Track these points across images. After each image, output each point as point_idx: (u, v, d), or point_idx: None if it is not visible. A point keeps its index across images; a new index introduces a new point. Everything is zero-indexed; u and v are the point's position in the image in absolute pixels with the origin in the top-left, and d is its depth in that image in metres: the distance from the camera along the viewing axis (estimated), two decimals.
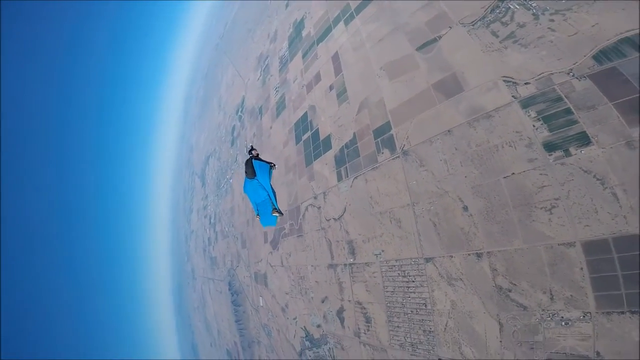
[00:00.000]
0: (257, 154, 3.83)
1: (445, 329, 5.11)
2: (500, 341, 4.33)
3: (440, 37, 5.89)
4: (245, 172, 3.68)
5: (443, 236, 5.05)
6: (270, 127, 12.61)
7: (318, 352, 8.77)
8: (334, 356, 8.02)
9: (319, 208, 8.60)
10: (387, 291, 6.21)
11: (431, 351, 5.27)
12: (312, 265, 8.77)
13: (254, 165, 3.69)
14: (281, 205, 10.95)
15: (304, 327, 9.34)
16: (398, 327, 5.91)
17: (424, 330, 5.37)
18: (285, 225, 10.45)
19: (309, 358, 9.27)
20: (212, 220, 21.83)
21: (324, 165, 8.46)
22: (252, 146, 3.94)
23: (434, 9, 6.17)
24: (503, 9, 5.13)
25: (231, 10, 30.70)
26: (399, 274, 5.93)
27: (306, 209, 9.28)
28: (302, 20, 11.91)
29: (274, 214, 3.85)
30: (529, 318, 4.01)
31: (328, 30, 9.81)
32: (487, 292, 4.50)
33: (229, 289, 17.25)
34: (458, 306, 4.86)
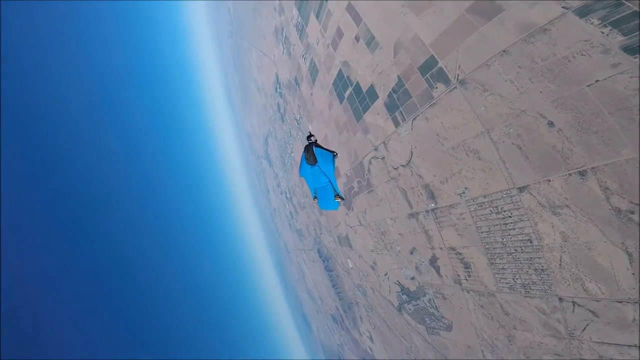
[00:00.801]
0: (316, 140, 4.17)
1: (560, 265, 4.50)
2: (633, 273, 3.65)
3: None
4: (306, 158, 3.96)
5: (533, 159, 4.41)
6: (311, 94, 12.92)
7: (417, 304, 9.08)
8: (436, 306, 8.14)
9: (383, 159, 8.46)
10: (481, 232, 5.76)
11: (548, 291, 4.77)
12: (390, 219, 8.87)
13: (315, 152, 3.93)
14: (342, 166, 11.28)
15: (397, 281, 9.74)
16: (503, 269, 5.51)
17: (535, 269, 4.87)
18: (354, 184, 10.72)
19: (409, 312, 9.66)
20: (287, 195, 24.67)
21: (376, 115, 8.31)
22: (310, 132, 4.29)
23: None
24: None
25: None
26: (491, 211, 5.40)
27: (369, 162, 9.24)
28: None
29: (336, 200, 4.19)
30: None
31: None
32: (602, 217, 3.76)
33: (320, 257, 19.32)
34: (570, 238, 4.21)
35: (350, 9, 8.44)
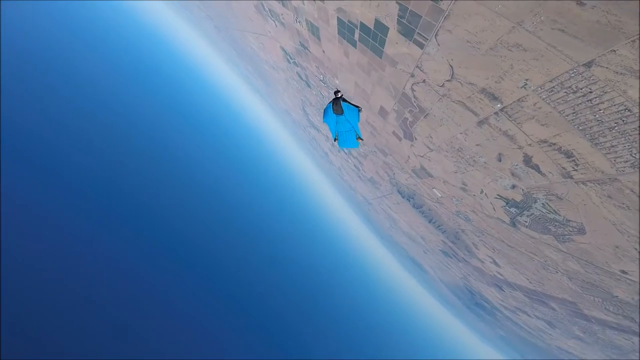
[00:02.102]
0: (342, 95, 5.07)
1: None
2: None
3: None
4: (334, 109, 4.90)
5: (583, 37, 4.46)
6: (323, 52, 13.70)
7: (532, 213, 8.96)
8: (554, 210, 7.97)
9: (424, 81, 8.55)
10: (566, 115, 5.55)
11: None
12: (460, 133, 8.72)
13: (342, 105, 4.90)
14: (386, 103, 11.79)
15: (498, 195, 9.65)
16: (612, 146, 5.21)
17: None
18: (406, 115, 10.81)
19: (526, 224, 9.57)
20: (346, 151, 25.48)
21: (395, 45, 8.53)
22: (337, 89, 5.14)
23: None
24: None
25: None
26: (566, 92, 5.23)
27: (412, 90, 9.36)
28: None
29: (358, 140, 5.20)
30: None
31: None
32: None
33: (403, 197, 19.86)
34: None
35: None
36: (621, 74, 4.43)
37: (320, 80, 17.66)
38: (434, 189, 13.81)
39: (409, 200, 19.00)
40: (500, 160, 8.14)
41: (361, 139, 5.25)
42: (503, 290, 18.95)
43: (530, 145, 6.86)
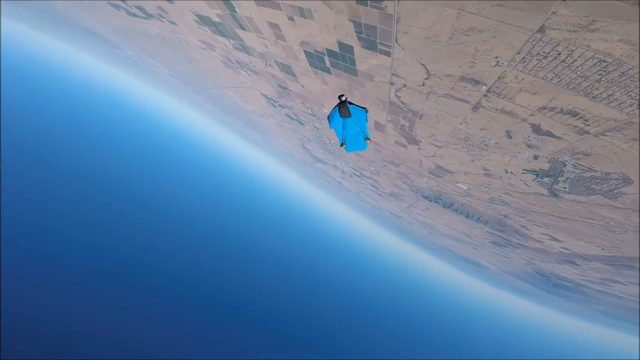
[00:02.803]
0: (347, 99, 5.27)
1: None
2: None
3: None
4: (341, 112, 5.00)
5: (520, 5, 4.96)
6: (303, 87, 14.57)
7: (567, 177, 8.78)
8: (589, 167, 7.88)
9: (405, 85, 9.07)
10: (550, 80, 5.89)
11: None
12: (460, 124, 9.00)
13: (349, 108, 5.01)
14: (378, 116, 12.22)
15: (525, 169, 9.51)
16: (610, 95, 5.41)
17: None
18: (402, 122, 11.24)
19: (567, 190, 9.31)
20: (357, 174, 26.19)
21: (365, 60, 9.17)
22: (341, 93, 5.65)
23: None
24: None
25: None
26: (537, 59, 5.63)
27: (397, 96, 9.86)
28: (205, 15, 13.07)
29: (366, 142, 5.29)
30: None
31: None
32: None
33: (430, 201, 19.53)
34: (632, 39, 4.47)
35: (259, 2, 9.47)
36: (575, 31, 4.75)
37: (310, 114, 18.38)
38: (458, 184, 13.65)
39: (438, 202, 18.68)
40: (510, 137, 8.19)
41: (369, 139, 5.38)
42: (578, 265, 17.73)
43: (532, 115, 7.01)
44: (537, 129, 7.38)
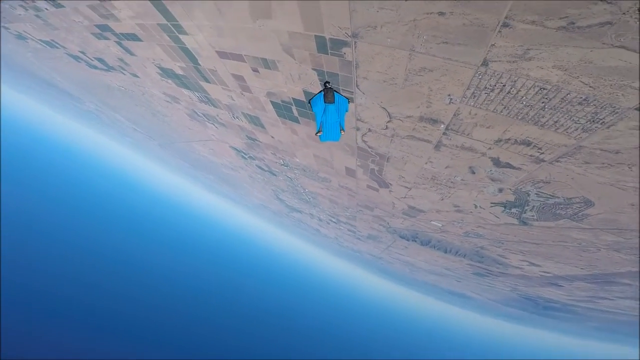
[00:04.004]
0: (332, 85, 5.29)
1: (593, 86, 4.76)
2: None
3: None
4: (326, 96, 5.04)
5: (462, 40, 5.13)
6: (272, 137, 14.55)
7: (533, 206, 9.06)
8: (550, 195, 8.01)
9: (370, 130, 9.22)
10: (500, 112, 6.10)
11: (613, 105, 4.87)
12: (425, 163, 9.14)
13: (334, 95, 5.06)
14: (348, 162, 12.26)
15: (492, 203, 9.62)
16: (557, 122, 5.62)
17: (580, 102, 5.07)
18: (371, 165, 11.31)
19: (535, 218, 9.42)
20: (334, 220, 25.90)
21: None
22: (326, 80, 5.53)
23: None
24: None
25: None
26: (485, 93, 5.84)
27: (364, 141, 9.98)
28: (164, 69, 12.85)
29: (341, 132, 5.33)
30: None
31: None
32: (558, 33, 4.08)
33: (407, 240, 19.31)
34: (565, 62, 4.66)
35: (221, 54, 9.56)
36: (513, 61, 4.96)
37: (282, 164, 18.21)
38: (432, 222, 13.63)
39: (415, 240, 18.48)
40: (474, 172, 8.33)
41: (344, 130, 5.36)
42: (561, 286, 17.66)
43: (490, 148, 7.20)
44: (497, 162, 7.54)
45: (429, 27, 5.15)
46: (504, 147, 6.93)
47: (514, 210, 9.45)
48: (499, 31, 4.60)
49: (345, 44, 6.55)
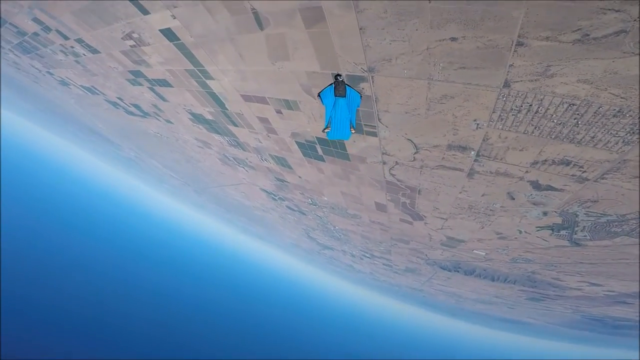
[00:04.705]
0: (343, 79, 5.04)
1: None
2: None
3: None
4: (337, 90, 4.76)
5: (479, 64, 5.09)
6: (300, 177, 14.84)
7: (584, 226, 8.42)
8: (601, 213, 7.45)
9: (397, 162, 9.19)
10: (532, 133, 5.90)
11: None
12: (459, 193, 8.94)
13: (346, 88, 4.77)
14: (378, 197, 12.10)
15: (538, 227, 9.14)
16: (593, 137, 5.40)
17: (614, 115, 4.85)
18: (402, 199, 11.20)
19: (588, 238, 8.80)
20: (368, 255, 25.19)
21: (354, 144, 9.43)
22: (337, 73, 5.26)
23: None
24: None
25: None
26: (513, 115, 5.71)
27: (392, 175, 9.94)
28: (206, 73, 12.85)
29: (351, 130, 4.95)
30: None
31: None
32: (577, 46, 4.15)
33: (449, 270, 18.34)
34: (589, 75, 4.53)
35: (246, 97, 10.03)
36: (536, 80, 4.88)
37: (311, 204, 18.36)
38: (474, 251, 12.99)
39: (458, 271, 17.51)
40: (513, 198, 8.05)
41: (354, 129, 5.01)
42: (629, 303, 15.78)
43: (527, 172, 6.95)
44: (536, 186, 7.25)
45: (443, 54, 5.19)
46: (541, 169, 6.68)
47: (563, 232, 8.87)
48: (515, 50, 4.59)
49: (362, 79, 6.68)
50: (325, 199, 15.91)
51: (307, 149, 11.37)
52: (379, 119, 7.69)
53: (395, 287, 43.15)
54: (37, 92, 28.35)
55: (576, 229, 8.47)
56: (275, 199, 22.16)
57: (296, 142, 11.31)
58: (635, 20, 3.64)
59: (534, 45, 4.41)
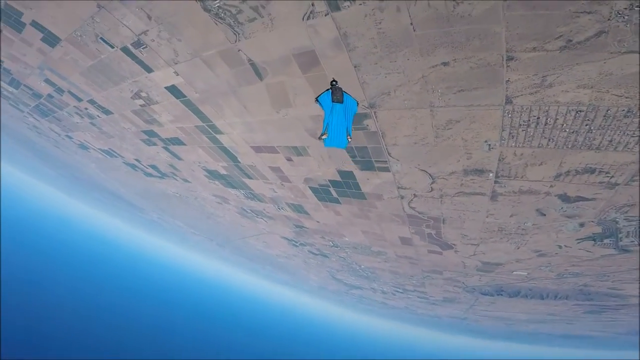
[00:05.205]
0: (339, 85, 4.99)
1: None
2: None
3: None
4: (335, 96, 4.73)
5: (476, 84, 5.15)
6: (318, 222, 14.84)
7: (627, 231, 7.84)
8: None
9: (415, 195, 9.08)
10: (547, 146, 5.80)
11: None
12: (486, 217, 8.70)
13: (343, 95, 4.77)
14: (401, 231, 11.91)
15: (578, 239, 8.71)
16: (611, 140, 5.29)
17: (626, 115, 4.81)
18: (427, 230, 10.96)
19: (636, 243, 8.26)
20: (400, 290, 24.15)
21: (368, 181, 9.44)
22: (333, 79, 5.07)
23: None
24: None
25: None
26: (523, 130, 5.70)
27: (411, 208, 9.84)
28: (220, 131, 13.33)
29: (348, 138, 4.88)
30: None
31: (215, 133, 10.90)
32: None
33: (491, 295, 17.26)
34: (594, 77, 4.48)
35: (256, 148, 10.28)
36: (535, 92, 4.88)
37: (332, 246, 18.05)
38: (514, 272, 12.27)
39: (501, 294, 16.42)
40: (544, 214, 7.75)
41: (350, 137, 4.88)
42: None
43: (552, 186, 6.75)
44: (565, 198, 6.99)
45: (439, 80, 5.28)
46: (566, 181, 6.47)
47: (606, 241, 8.33)
48: (508, 65, 4.64)
49: (365, 116, 6.79)
50: (347, 239, 15.63)
51: (321, 193, 11.40)
52: (389, 154, 7.69)
53: (435, 319, 40.54)
54: (59, 158, 29.40)
55: (620, 235, 7.97)
56: (296, 245, 21.92)
57: (310, 187, 11.38)
58: (608, 19, 3.70)
59: (523, 57, 4.49)
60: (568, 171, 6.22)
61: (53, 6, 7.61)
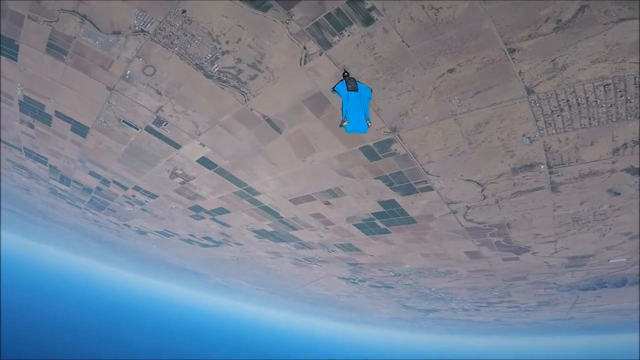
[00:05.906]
0: (352, 76, 5.02)
1: None
2: None
3: None
4: (349, 85, 4.81)
5: (491, 83, 5.14)
6: (372, 255, 14.76)
7: None
8: None
9: (467, 206, 8.82)
10: (590, 125, 5.55)
11: None
12: (554, 211, 8.13)
13: (357, 83, 4.83)
14: (466, 246, 11.42)
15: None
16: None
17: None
18: (495, 239, 10.45)
19: None
20: (484, 304, 22.41)
21: (413, 205, 9.32)
22: (345, 71, 5.08)
23: None
24: None
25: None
26: (558, 115, 5.51)
27: (468, 220, 9.52)
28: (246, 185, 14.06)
29: (368, 123, 4.93)
30: None
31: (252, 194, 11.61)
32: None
33: (593, 289, 15.34)
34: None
35: (294, 200, 10.52)
36: (553, 76, 4.78)
37: (394, 275, 17.54)
38: (610, 261, 10.97)
39: (605, 286, 14.50)
40: (618, 193, 7.11)
41: (369, 121, 4.92)
42: None
43: (614, 162, 6.28)
44: (633, 171, 6.42)
45: (451, 87, 5.25)
46: (627, 154, 5.99)
47: None
48: (513, 58, 4.60)
49: (390, 141, 6.78)
50: (407, 266, 15.14)
51: (367, 227, 11.35)
52: (427, 172, 7.54)
53: (534, 325, 36.24)
54: (124, 245, 31.98)
55: None
56: (355, 282, 21.60)
57: (354, 225, 11.42)
58: None
59: (524, 47, 4.46)
60: (625, 144, 5.80)
61: (68, 93, 8.13)
